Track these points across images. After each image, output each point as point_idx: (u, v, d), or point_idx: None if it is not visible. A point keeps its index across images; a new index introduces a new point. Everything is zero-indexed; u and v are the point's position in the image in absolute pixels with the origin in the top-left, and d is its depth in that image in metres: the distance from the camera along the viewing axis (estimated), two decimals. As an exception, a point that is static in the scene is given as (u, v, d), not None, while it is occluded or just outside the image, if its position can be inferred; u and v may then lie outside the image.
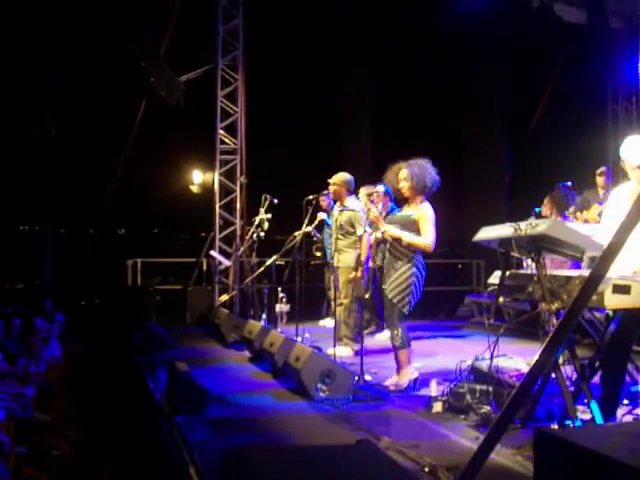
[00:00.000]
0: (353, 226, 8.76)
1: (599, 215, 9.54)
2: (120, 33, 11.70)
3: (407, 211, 6.77)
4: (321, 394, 6.26)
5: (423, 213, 6.61)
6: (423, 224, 6.58)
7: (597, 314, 6.15)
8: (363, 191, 9.35)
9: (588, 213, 9.87)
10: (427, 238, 6.55)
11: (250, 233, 10.44)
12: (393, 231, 6.67)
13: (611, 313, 4.93)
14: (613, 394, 5.04)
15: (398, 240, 6.61)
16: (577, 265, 7.69)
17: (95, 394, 7.19)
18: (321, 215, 9.30)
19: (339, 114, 17.10)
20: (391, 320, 6.66)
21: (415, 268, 6.56)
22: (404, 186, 6.69)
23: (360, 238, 8.69)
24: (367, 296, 7.74)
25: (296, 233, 9.11)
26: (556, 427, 4.83)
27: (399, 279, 6.55)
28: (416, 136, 15.29)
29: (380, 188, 7.65)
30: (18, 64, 12.36)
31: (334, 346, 7.70)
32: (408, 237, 6.55)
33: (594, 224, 8.70)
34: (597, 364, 5.02)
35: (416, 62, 15.90)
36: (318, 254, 10.83)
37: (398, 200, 8.01)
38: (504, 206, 15.81)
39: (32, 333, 7.33)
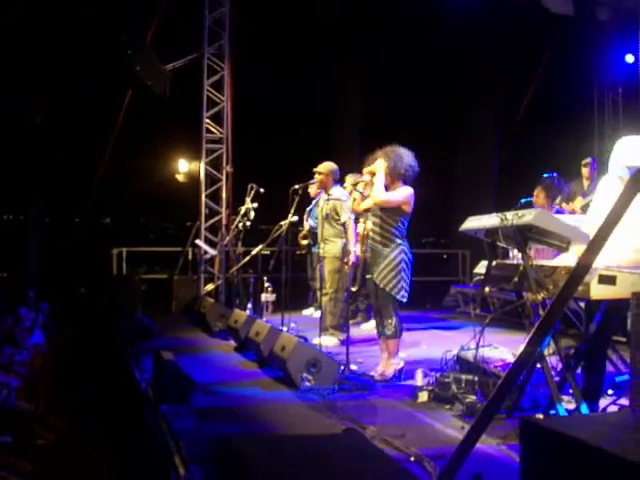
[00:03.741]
0: (338, 214, 8.79)
1: (581, 208, 9.59)
2: (106, 21, 11.63)
3: None
4: (307, 384, 6.26)
5: (400, 189, 6.65)
6: (396, 191, 6.64)
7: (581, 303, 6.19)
8: (349, 179, 9.35)
9: (573, 204, 9.91)
10: (388, 194, 6.62)
11: (236, 222, 10.43)
12: (376, 178, 6.71)
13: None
14: (596, 384, 5.07)
15: (382, 222, 6.64)
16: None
17: (80, 383, 7.15)
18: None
19: (327, 103, 17.05)
20: (386, 309, 6.63)
21: (403, 254, 6.58)
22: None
23: (344, 226, 8.73)
24: (354, 289, 7.74)
25: (282, 222, 9.11)
26: (541, 417, 4.85)
27: (389, 266, 6.55)
28: (405, 126, 15.27)
29: (367, 178, 7.64)
30: (6, 55, 12.27)
31: (320, 336, 7.71)
32: (377, 183, 6.63)
33: (579, 215, 8.72)
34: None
35: (406, 53, 15.88)
36: (304, 242, 10.84)
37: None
38: (491, 196, 15.84)
39: (17, 323, 7.29)
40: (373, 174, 6.75)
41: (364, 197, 7.03)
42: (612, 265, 4.54)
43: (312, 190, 9.93)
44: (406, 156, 6.70)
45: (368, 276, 6.81)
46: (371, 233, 6.78)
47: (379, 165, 6.67)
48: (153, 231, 24.74)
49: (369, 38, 15.77)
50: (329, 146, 15.97)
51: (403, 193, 6.62)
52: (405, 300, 6.63)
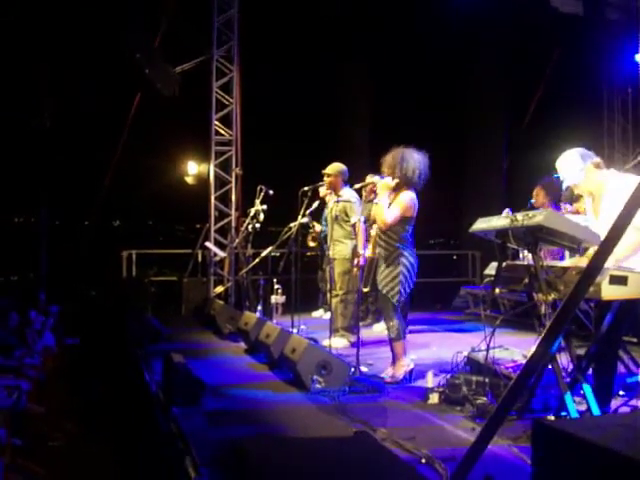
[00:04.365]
0: (348, 215, 8.78)
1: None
2: (115, 25, 11.66)
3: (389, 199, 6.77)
4: (317, 386, 6.26)
5: (399, 199, 6.62)
6: (394, 205, 6.60)
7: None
8: (368, 179, 9.32)
9: (578, 204, 9.89)
10: (388, 214, 6.57)
11: (245, 224, 10.44)
12: (381, 189, 6.69)
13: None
14: (607, 384, 5.05)
15: (384, 233, 6.65)
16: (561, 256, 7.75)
17: (89, 385, 7.17)
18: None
19: (333, 103, 17.03)
20: (386, 312, 6.66)
21: (403, 258, 6.57)
22: (385, 173, 6.77)
23: (354, 227, 8.73)
24: (366, 290, 7.71)
25: (292, 224, 9.10)
26: (553, 418, 4.83)
27: (387, 269, 6.57)
28: (414, 127, 15.25)
29: (377, 179, 7.63)
30: (16, 58, 12.30)
31: (330, 338, 7.70)
32: (381, 200, 6.64)
33: (584, 215, 8.71)
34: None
35: (410, 52, 15.85)
36: (312, 244, 10.83)
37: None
38: (501, 197, 15.80)
39: (27, 325, 7.31)
40: (374, 191, 6.77)
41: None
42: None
43: (322, 190, 9.92)
44: (413, 160, 6.66)
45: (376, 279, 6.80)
46: (378, 239, 6.79)
47: (382, 186, 6.67)
48: (163, 233, 24.77)
49: (371, 38, 15.75)
50: (337, 146, 15.95)
51: (403, 203, 6.59)
52: (397, 304, 6.62)
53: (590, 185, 5.35)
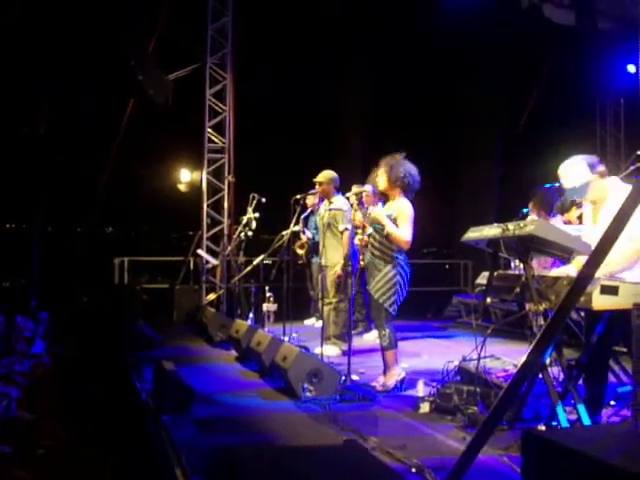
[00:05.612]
0: (338, 223, 8.77)
1: (578, 218, 9.61)
2: (109, 31, 11.66)
3: (386, 210, 6.76)
4: (308, 394, 6.24)
5: (401, 210, 6.62)
6: (401, 221, 6.59)
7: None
8: (354, 189, 9.33)
9: (568, 215, 9.93)
10: (405, 234, 6.56)
11: (238, 232, 10.42)
12: (381, 218, 6.65)
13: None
14: (598, 394, 5.05)
15: (381, 236, 6.64)
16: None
17: (80, 391, 7.14)
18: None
19: (329, 112, 17.03)
20: (379, 321, 6.65)
21: (399, 267, 6.57)
22: (379, 180, 6.80)
23: (342, 234, 8.71)
24: (353, 291, 7.73)
25: (284, 232, 9.09)
26: (543, 428, 4.83)
27: (383, 279, 6.56)
28: (408, 136, 15.25)
29: (368, 188, 7.64)
30: (10, 65, 12.29)
31: (321, 346, 7.69)
32: (390, 227, 6.57)
33: (578, 225, 8.73)
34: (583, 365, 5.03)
35: (408, 62, 15.84)
36: (300, 251, 10.82)
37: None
38: (493, 206, 15.83)
39: (15, 332, 7.29)
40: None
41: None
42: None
43: (309, 201, 9.94)
44: (409, 165, 6.70)
45: (368, 287, 6.79)
46: (370, 247, 6.78)
47: (379, 216, 6.68)
48: (155, 241, 24.71)
49: (371, 38, 15.74)
50: (333, 149, 15.97)
51: (408, 216, 6.62)
52: (395, 313, 6.63)
53: (593, 194, 5.20)
